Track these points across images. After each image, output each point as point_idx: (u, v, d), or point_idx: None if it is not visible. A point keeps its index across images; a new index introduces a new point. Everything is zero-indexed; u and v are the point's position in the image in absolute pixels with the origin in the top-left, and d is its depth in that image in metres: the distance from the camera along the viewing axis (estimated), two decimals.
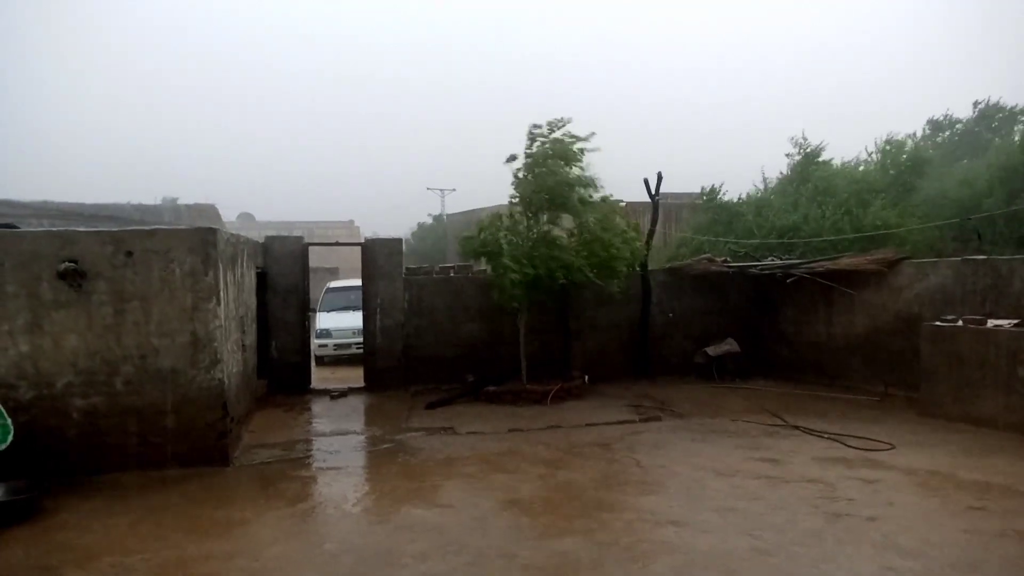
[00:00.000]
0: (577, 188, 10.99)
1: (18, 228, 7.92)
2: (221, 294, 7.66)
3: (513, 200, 11.34)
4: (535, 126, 11.06)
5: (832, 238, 13.97)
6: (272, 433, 9.20)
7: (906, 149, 18.10)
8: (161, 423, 7.46)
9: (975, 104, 20.75)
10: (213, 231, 7.68)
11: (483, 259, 11.32)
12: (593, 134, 11.07)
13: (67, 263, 7.15)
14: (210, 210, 32.89)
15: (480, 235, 11.01)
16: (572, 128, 11.08)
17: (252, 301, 10.48)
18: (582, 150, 11.06)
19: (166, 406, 7.47)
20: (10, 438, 6.65)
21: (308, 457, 8.14)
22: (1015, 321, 8.88)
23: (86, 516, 6.12)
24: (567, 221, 11.47)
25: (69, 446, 7.22)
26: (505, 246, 10.66)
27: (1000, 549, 5.09)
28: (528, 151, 11.06)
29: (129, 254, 7.34)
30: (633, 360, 13.20)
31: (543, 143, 11.01)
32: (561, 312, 12.75)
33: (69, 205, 28.82)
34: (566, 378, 11.75)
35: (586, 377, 11.93)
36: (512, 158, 11.16)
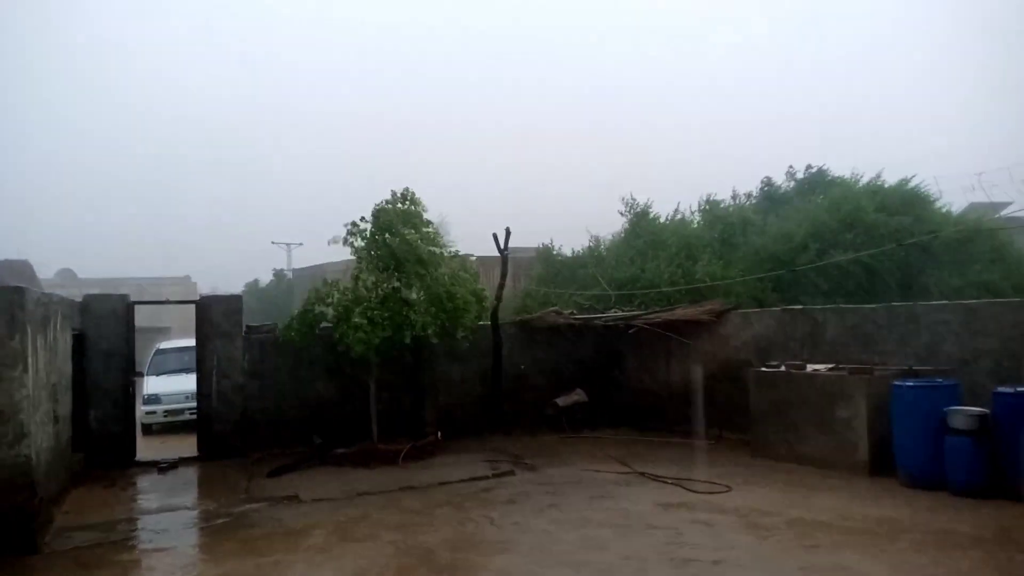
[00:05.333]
0: (420, 248, 11.09)
1: None
2: (29, 360, 6.86)
3: (357, 262, 11.36)
4: (381, 202, 11.42)
5: (667, 289, 14.78)
6: (90, 513, 8.27)
7: (724, 209, 19.62)
8: None
9: (807, 167, 22.77)
10: (20, 291, 6.90)
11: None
12: (424, 210, 11.57)
13: None
14: (23, 266, 29.85)
15: (313, 308, 11.16)
16: (415, 194, 11.53)
17: (67, 367, 9.50)
18: (421, 215, 11.45)
19: None
20: None
21: (131, 538, 7.36)
22: (831, 365, 9.71)
23: None
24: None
25: None
26: (352, 307, 10.63)
27: None
28: (369, 220, 11.30)
29: None
30: (487, 414, 13.16)
31: (385, 212, 11.24)
32: (413, 368, 12.51)
33: None
34: (419, 436, 11.48)
35: (439, 433, 11.73)
36: (335, 240, 11.32)
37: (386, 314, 10.60)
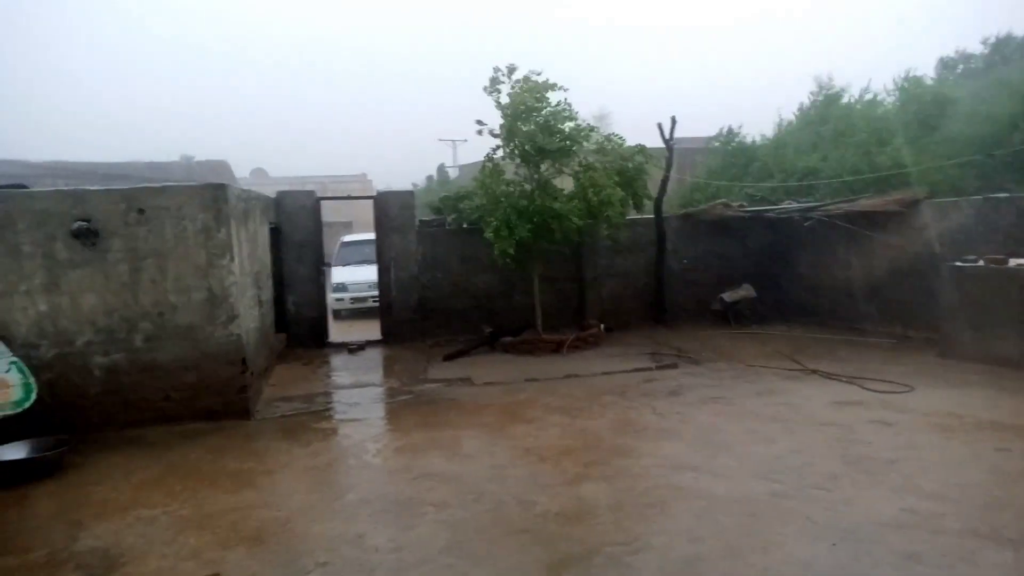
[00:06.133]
0: (558, 130, 10.71)
1: (29, 188, 7.91)
2: (235, 250, 7.66)
3: (494, 153, 11.09)
4: (496, 75, 10.72)
5: (851, 179, 13.70)
6: (292, 386, 9.31)
7: (924, 85, 17.57)
8: (182, 378, 7.56)
9: (985, 41, 19.99)
10: (223, 187, 7.64)
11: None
12: (555, 85, 10.79)
13: (80, 222, 7.16)
14: (221, 166, 32.78)
15: (455, 203, 11.37)
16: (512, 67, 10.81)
17: (267, 257, 10.49)
18: (547, 94, 10.75)
19: (186, 362, 7.55)
20: (34, 396, 6.77)
21: (329, 409, 8.24)
22: None
23: (111, 471, 6.23)
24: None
25: (92, 403, 7.34)
26: (494, 206, 10.56)
27: (1022, 490, 5.06)
28: (500, 104, 10.78)
29: (141, 212, 7.33)
30: (649, 307, 13.16)
31: (513, 92, 10.72)
32: (576, 260, 12.68)
33: (81, 164, 28.78)
34: (582, 327, 11.75)
35: (602, 325, 11.91)
36: (480, 125, 10.99)
37: (532, 207, 10.49)
